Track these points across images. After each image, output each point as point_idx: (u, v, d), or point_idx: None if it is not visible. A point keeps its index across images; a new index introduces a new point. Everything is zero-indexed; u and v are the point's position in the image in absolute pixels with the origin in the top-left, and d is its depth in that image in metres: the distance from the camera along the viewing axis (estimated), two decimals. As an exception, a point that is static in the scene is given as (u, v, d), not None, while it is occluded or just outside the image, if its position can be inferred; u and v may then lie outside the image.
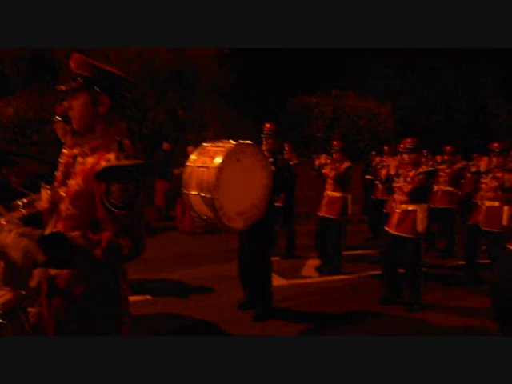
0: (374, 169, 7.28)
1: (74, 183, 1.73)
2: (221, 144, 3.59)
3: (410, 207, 4.59)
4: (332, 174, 5.61)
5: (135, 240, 1.61)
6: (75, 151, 1.94)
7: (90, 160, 1.72)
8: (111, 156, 1.64)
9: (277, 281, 4.95)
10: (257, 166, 3.57)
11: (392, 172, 4.87)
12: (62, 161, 2.36)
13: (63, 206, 1.75)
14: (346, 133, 14.81)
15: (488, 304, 4.69)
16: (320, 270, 5.81)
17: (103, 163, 1.63)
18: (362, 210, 9.07)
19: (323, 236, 5.72)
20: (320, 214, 5.76)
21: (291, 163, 6.22)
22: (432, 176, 4.79)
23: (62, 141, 3.72)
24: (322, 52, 17.10)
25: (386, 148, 7.36)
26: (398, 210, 4.68)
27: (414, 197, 4.57)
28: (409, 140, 4.70)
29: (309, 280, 5.52)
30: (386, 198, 6.61)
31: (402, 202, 4.65)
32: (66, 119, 3.91)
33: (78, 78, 1.73)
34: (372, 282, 5.39)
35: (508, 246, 3.33)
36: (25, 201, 2.05)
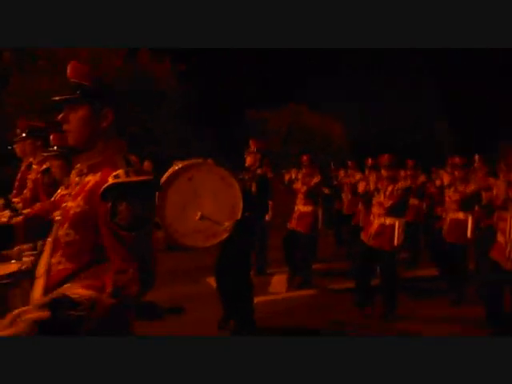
0: (339, 183, 7.38)
1: (73, 205, 1.55)
2: (180, 163, 3.60)
3: (388, 221, 4.71)
4: (304, 189, 5.62)
5: (145, 268, 1.45)
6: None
7: (90, 179, 1.56)
8: (120, 172, 1.47)
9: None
10: (219, 184, 3.53)
11: (372, 187, 4.95)
12: (30, 177, 2.14)
13: (61, 232, 1.56)
14: (302, 148, 15.08)
15: (459, 313, 4.87)
16: (290, 281, 5.76)
17: (110, 180, 1.46)
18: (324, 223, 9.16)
19: (292, 248, 5.67)
20: (290, 226, 5.74)
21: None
22: (409, 191, 4.93)
23: (24, 157, 3.43)
24: (277, 68, 17.56)
25: (350, 163, 7.51)
26: (375, 224, 4.77)
27: (392, 211, 4.68)
28: (386, 156, 4.82)
29: (278, 296, 5.42)
30: (352, 211, 6.74)
31: (380, 216, 4.75)
32: (34, 134, 3.61)
33: (78, 89, 1.56)
34: (341, 296, 5.42)
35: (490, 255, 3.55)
36: None
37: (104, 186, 1.46)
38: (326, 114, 16.25)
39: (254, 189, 4.06)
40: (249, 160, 4.29)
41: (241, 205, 3.57)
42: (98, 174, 1.54)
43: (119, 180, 1.45)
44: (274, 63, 17.28)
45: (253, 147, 4.29)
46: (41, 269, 1.61)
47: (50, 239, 1.64)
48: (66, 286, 1.49)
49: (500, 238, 3.64)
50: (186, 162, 3.54)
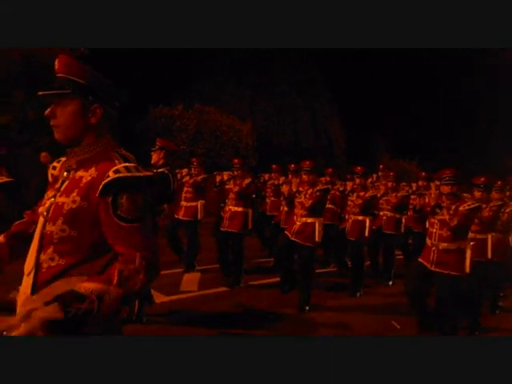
0: (262, 184, 7.75)
1: (66, 201, 1.51)
2: None
3: (309, 220, 5.18)
4: (236, 189, 5.85)
5: (150, 257, 1.46)
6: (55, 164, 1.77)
7: (81, 175, 1.55)
8: (120, 167, 1.49)
9: (157, 297, 4.87)
10: None
11: (294, 189, 5.39)
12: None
13: (53, 228, 1.51)
14: (210, 147, 15.25)
15: (354, 302, 5.59)
16: (223, 280, 5.94)
17: (112, 174, 1.46)
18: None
19: (225, 249, 5.89)
20: (222, 228, 5.94)
21: (199, 178, 6.26)
22: (327, 193, 5.46)
23: None
24: (177, 65, 17.40)
25: (274, 166, 7.91)
26: (298, 223, 5.23)
27: (312, 211, 5.17)
28: (307, 163, 5.32)
29: (190, 295, 5.50)
30: (275, 213, 7.19)
31: (302, 216, 5.22)
32: None
33: (68, 84, 1.54)
34: (251, 292, 5.75)
35: (419, 259, 4.16)
36: None
37: (106, 180, 1.46)
38: (233, 114, 16.53)
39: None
40: (154, 157, 4.40)
41: None
42: (92, 170, 1.53)
43: (121, 175, 1.46)
44: (176, 63, 17.13)
45: (158, 145, 4.41)
46: (29, 265, 1.56)
47: (36, 235, 1.58)
48: (58, 282, 1.48)
49: (428, 241, 4.18)
50: None
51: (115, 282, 1.39)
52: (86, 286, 1.38)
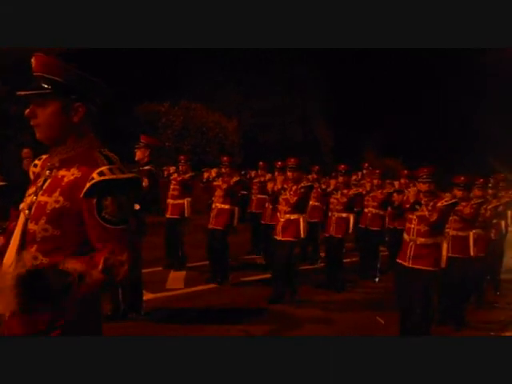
0: (249, 181, 7.73)
1: (49, 200, 1.50)
2: None
3: (293, 217, 5.21)
4: (224, 186, 5.85)
5: (132, 254, 1.48)
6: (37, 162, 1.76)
7: (64, 174, 1.53)
8: (104, 169, 1.47)
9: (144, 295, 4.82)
10: None
11: (279, 186, 5.42)
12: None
13: (36, 227, 1.49)
14: (196, 144, 15.18)
15: (341, 298, 5.72)
16: (211, 281, 5.94)
17: (96, 177, 1.45)
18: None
19: (213, 247, 5.90)
20: (210, 226, 5.94)
21: (186, 176, 6.24)
22: (311, 190, 5.50)
23: None
24: (165, 61, 17.23)
25: (261, 163, 7.90)
26: (282, 219, 5.28)
27: (296, 208, 5.20)
28: (292, 160, 5.34)
29: (176, 292, 5.53)
30: (260, 210, 7.21)
31: (286, 213, 5.26)
32: None
33: (47, 83, 1.50)
34: (238, 289, 5.82)
35: (397, 260, 4.21)
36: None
37: (91, 183, 1.45)
38: (220, 111, 16.44)
39: (145, 184, 4.10)
40: (138, 154, 4.39)
41: None
42: (74, 170, 1.51)
43: (105, 177, 1.45)
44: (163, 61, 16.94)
45: (143, 142, 4.38)
46: (8, 259, 1.53)
47: (17, 230, 1.55)
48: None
49: (405, 236, 4.22)
50: None
51: (100, 267, 1.41)
52: (69, 264, 1.39)
